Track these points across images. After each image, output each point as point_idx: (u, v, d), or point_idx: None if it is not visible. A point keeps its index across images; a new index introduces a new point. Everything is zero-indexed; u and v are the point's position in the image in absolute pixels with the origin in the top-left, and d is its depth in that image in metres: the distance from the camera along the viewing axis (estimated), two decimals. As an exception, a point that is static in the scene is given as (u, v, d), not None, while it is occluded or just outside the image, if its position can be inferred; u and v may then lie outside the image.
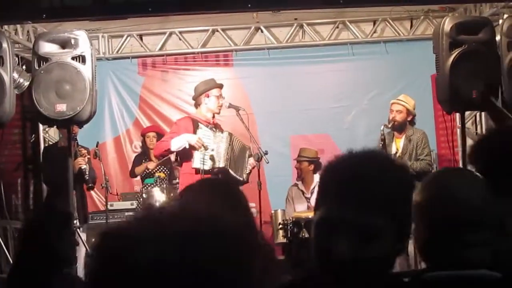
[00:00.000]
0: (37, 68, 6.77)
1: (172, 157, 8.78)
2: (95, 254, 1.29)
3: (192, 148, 7.77)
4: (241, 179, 7.98)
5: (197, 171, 7.68)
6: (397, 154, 8.30)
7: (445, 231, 2.15)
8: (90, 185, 8.40)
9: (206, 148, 7.77)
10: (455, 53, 6.65)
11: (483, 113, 9.93)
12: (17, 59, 8.87)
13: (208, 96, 8.05)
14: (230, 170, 7.82)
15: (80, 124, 7.08)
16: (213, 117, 8.14)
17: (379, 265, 1.89)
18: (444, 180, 2.31)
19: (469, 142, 7.67)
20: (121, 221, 1.35)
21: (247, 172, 8.15)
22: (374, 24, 10.78)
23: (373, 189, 1.85)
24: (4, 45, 6.82)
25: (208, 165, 7.66)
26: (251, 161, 8.14)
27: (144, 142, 9.89)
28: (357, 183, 1.86)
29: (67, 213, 3.65)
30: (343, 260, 1.82)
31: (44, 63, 6.76)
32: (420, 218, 2.19)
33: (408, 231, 2.01)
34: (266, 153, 8.00)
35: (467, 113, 9.90)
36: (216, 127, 8.11)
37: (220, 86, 8.20)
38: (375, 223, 1.83)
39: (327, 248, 1.85)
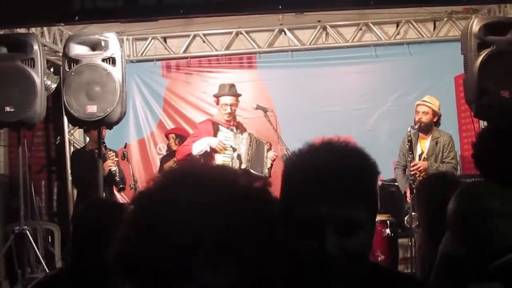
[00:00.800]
0: (67, 70, 6.83)
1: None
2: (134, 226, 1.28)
3: (213, 151, 7.83)
4: (263, 175, 8.00)
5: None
6: (423, 155, 8.30)
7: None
8: (121, 186, 8.48)
9: (232, 148, 7.83)
10: (483, 53, 6.65)
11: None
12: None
13: (218, 103, 8.17)
14: (252, 170, 7.84)
15: (110, 125, 7.13)
16: (233, 119, 8.21)
17: (364, 256, 1.89)
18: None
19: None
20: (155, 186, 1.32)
21: (268, 167, 8.16)
22: (397, 26, 10.79)
23: (347, 180, 1.80)
24: (35, 47, 6.91)
25: (233, 166, 7.69)
26: (271, 154, 8.15)
27: (168, 144, 10.02)
28: (329, 176, 1.80)
29: (120, 205, 3.69)
30: (332, 256, 1.77)
31: (75, 65, 6.83)
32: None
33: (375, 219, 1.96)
34: (293, 154, 8.02)
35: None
36: (238, 127, 8.17)
37: (231, 95, 8.23)
38: (358, 215, 1.79)
39: (311, 246, 1.80)
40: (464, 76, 6.99)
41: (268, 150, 8.24)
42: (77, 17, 6.43)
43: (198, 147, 7.90)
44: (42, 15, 6.56)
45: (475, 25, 6.73)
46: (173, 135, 9.98)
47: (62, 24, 8.11)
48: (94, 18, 6.72)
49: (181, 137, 9.86)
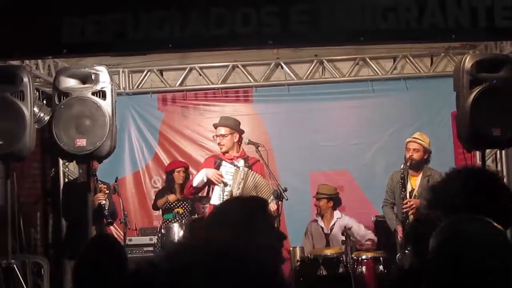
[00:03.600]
0: (57, 103, 6.79)
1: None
2: None
3: (211, 183, 7.83)
4: None
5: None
6: (413, 193, 8.26)
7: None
8: (109, 220, 8.44)
9: (225, 185, 7.83)
10: (475, 91, 6.62)
11: (503, 151, 9.86)
12: (38, 93, 8.95)
13: (214, 137, 8.26)
14: None
15: (100, 159, 7.09)
16: (236, 151, 8.25)
17: None
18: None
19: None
20: (153, 256, 1.48)
21: None
22: (394, 61, 10.77)
23: None
24: (25, 79, 6.87)
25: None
26: (272, 203, 8.01)
27: (172, 178, 9.79)
28: None
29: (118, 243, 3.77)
30: None
31: (65, 98, 6.78)
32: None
33: None
34: (285, 190, 7.97)
35: (487, 150, 9.89)
36: (246, 161, 8.21)
37: (220, 125, 8.37)
38: None
39: None
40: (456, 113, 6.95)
41: (269, 193, 8.12)
42: (65, 50, 6.40)
43: (197, 179, 8.08)
44: (30, 48, 6.53)
45: (468, 62, 6.71)
46: (183, 168, 9.87)
47: (50, 57, 8.11)
48: (82, 51, 6.72)
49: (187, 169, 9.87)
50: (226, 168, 7.96)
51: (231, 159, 8.16)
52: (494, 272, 2.16)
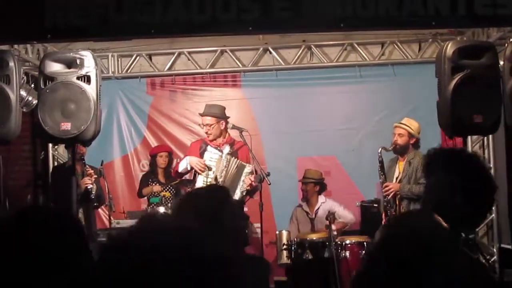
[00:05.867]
0: (43, 87, 6.83)
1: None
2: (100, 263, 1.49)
3: (195, 170, 7.91)
4: (236, 197, 8.00)
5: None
6: (399, 177, 8.30)
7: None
8: (95, 204, 8.53)
9: (209, 169, 7.88)
10: (457, 77, 6.65)
11: (490, 137, 9.91)
12: (26, 77, 8.98)
13: (201, 126, 8.32)
14: None
15: (84, 143, 7.18)
16: (223, 137, 8.32)
17: None
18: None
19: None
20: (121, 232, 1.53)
21: (242, 190, 8.16)
22: (382, 46, 10.80)
23: None
24: (11, 64, 6.91)
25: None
26: (247, 179, 8.17)
27: (154, 162, 9.92)
28: None
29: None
30: None
31: (50, 82, 6.82)
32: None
33: None
34: (268, 175, 8.06)
35: (474, 136, 9.95)
36: (231, 146, 8.27)
37: (206, 115, 8.42)
38: None
39: None
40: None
41: (248, 174, 8.24)
42: (49, 35, 6.44)
43: (181, 166, 8.21)
44: (14, 33, 6.56)
45: (449, 48, 6.73)
46: (166, 153, 9.97)
47: (35, 42, 8.15)
48: (67, 36, 6.76)
49: (170, 154, 9.97)
50: (211, 154, 8.02)
51: (217, 145, 8.23)
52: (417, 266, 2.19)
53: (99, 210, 9.77)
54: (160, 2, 6.32)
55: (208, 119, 8.32)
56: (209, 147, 8.10)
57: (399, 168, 8.40)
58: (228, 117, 8.56)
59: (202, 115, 8.41)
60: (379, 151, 8.31)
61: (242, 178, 8.19)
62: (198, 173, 8.00)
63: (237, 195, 8.06)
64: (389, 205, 8.09)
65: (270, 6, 6.27)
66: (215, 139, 8.35)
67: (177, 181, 9.16)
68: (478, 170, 3.10)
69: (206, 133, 8.29)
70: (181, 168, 8.21)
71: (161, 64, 11.05)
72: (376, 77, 10.78)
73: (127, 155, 10.98)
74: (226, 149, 8.28)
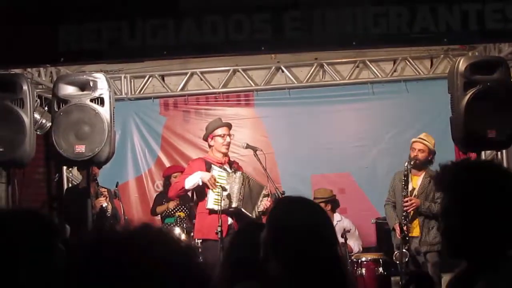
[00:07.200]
0: (56, 110, 6.86)
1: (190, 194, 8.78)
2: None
3: (206, 186, 7.83)
4: (253, 216, 7.98)
5: (211, 211, 7.75)
6: (414, 192, 8.28)
7: None
8: (111, 222, 8.52)
9: (223, 189, 7.82)
10: (469, 93, 6.63)
11: (504, 152, 9.87)
12: (40, 100, 9.04)
13: (212, 138, 8.15)
14: (243, 209, 7.86)
15: (99, 165, 7.17)
16: (225, 156, 8.21)
17: None
18: None
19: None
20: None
21: (260, 210, 8.11)
22: (394, 63, 10.82)
23: None
24: (24, 87, 6.94)
25: (222, 205, 7.68)
26: (265, 201, 8.12)
27: (169, 183, 9.88)
28: None
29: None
30: None
31: (64, 105, 6.84)
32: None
33: None
34: (283, 194, 8.00)
35: (488, 151, 9.91)
36: (231, 166, 8.17)
37: (225, 125, 8.23)
38: None
39: None
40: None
41: (265, 196, 8.18)
42: (62, 59, 6.49)
43: (190, 181, 7.90)
44: (28, 57, 6.62)
45: (461, 64, 6.72)
46: (180, 173, 9.94)
47: (48, 65, 8.20)
48: (80, 59, 6.81)
49: None
50: (217, 172, 7.93)
51: (221, 164, 8.11)
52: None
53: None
54: (172, 25, 6.36)
55: (225, 129, 8.19)
56: (213, 166, 7.99)
57: (413, 183, 8.38)
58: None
59: (220, 125, 8.19)
60: (405, 165, 8.28)
61: (260, 198, 8.13)
62: (210, 189, 7.87)
63: (254, 214, 8.02)
64: (407, 219, 8.08)
65: (282, 26, 6.30)
66: (226, 153, 8.22)
67: (189, 200, 9.13)
68: None
69: (227, 144, 8.10)
70: (189, 185, 7.89)
71: (174, 85, 11.09)
72: (388, 94, 10.80)
73: (141, 176, 11.01)
74: (228, 168, 8.18)
